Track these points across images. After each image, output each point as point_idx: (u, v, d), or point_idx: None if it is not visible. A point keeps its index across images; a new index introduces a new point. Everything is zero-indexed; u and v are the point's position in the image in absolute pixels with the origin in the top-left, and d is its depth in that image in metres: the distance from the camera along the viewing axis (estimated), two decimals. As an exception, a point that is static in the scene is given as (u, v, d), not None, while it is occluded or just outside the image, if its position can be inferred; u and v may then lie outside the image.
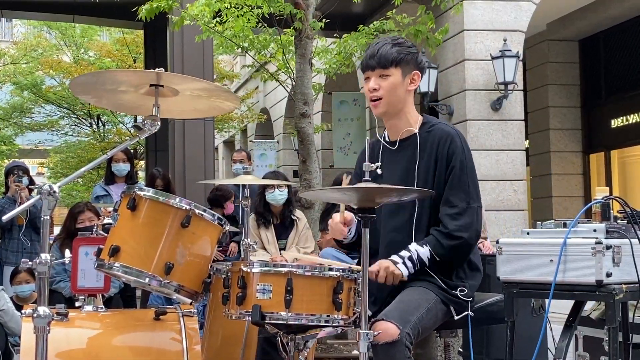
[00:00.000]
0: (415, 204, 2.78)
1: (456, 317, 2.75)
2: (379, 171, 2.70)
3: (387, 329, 2.47)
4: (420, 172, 2.79)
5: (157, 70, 2.54)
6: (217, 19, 7.15)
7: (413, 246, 2.72)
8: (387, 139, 2.96)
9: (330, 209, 5.80)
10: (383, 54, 2.79)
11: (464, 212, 2.72)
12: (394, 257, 2.70)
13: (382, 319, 2.51)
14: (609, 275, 2.62)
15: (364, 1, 10.38)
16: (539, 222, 2.94)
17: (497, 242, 2.93)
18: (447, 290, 2.73)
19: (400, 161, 2.86)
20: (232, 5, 6.83)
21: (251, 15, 6.90)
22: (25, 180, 6.05)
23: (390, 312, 2.57)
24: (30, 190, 6.02)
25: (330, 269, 2.48)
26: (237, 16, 6.86)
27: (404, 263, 2.68)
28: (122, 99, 2.82)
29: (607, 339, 3.34)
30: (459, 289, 2.74)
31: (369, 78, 2.84)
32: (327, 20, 7.18)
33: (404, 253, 2.70)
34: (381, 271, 2.65)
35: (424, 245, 2.71)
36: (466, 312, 2.75)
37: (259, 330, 3.04)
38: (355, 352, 5.81)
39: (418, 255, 2.70)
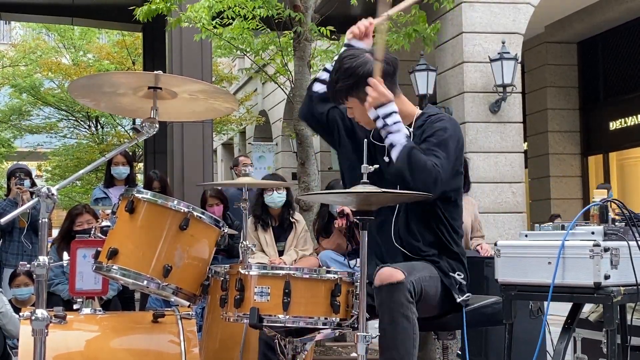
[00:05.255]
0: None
1: (458, 300, 2.75)
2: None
3: (393, 273, 2.49)
4: None
5: (155, 72, 2.54)
6: (217, 20, 7.15)
7: (404, 130, 2.68)
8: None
9: (324, 216, 5.80)
10: (332, 92, 2.79)
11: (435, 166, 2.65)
12: (385, 110, 2.67)
13: (388, 266, 2.53)
14: (607, 277, 2.62)
15: (363, 3, 10.40)
16: (538, 225, 2.94)
17: (496, 244, 2.93)
18: (446, 273, 2.76)
19: None
20: (235, 5, 6.84)
21: (252, 16, 6.91)
22: (27, 182, 6.05)
23: (396, 264, 2.60)
24: (32, 193, 6.02)
25: (328, 272, 2.48)
26: (241, 15, 6.87)
27: (377, 118, 2.67)
28: (121, 102, 2.82)
29: (605, 341, 3.34)
30: (456, 272, 2.78)
31: None
32: (326, 19, 7.18)
33: (393, 120, 2.66)
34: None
35: (406, 140, 2.65)
36: (467, 296, 2.78)
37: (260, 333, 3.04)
38: (353, 354, 5.80)
39: (393, 132, 2.66)
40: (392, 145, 2.66)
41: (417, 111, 2.88)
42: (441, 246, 2.80)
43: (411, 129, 2.80)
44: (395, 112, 2.68)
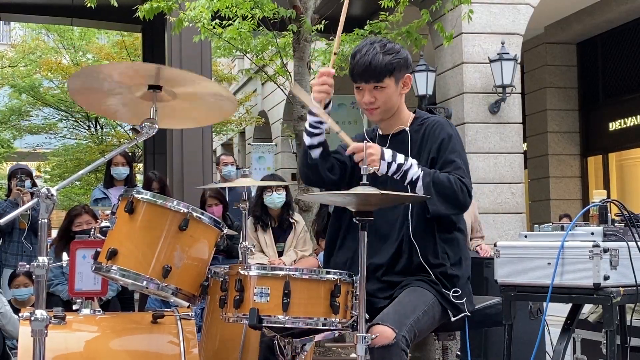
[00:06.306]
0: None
1: (453, 319, 2.74)
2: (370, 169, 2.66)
3: (383, 333, 2.45)
4: None
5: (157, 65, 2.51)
6: (217, 20, 7.15)
7: (411, 161, 2.68)
8: (379, 133, 2.95)
9: (324, 217, 5.80)
10: (377, 66, 2.73)
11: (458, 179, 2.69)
12: (388, 154, 2.65)
13: (378, 323, 2.50)
14: (606, 278, 2.62)
15: (362, 4, 10.39)
16: (537, 225, 2.94)
17: (495, 245, 2.93)
18: (442, 292, 2.73)
19: None
20: (233, 5, 6.85)
21: (250, 16, 6.92)
22: (27, 183, 6.04)
23: (386, 315, 2.55)
24: (32, 194, 6.02)
25: (328, 272, 2.48)
26: (239, 15, 6.87)
27: (390, 164, 2.64)
28: (119, 104, 2.80)
29: (604, 342, 3.35)
30: (452, 290, 2.74)
31: (362, 89, 2.80)
32: (327, 22, 7.18)
33: (400, 159, 2.65)
34: (364, 150, 2.56)
35: (419, 168, 2.66)
36: (463, 314, 2.75)
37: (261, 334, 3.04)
38: (353, 355, 5.80)
39: (409, 169, 2.65)
40: (413, 182, 2.66)
41: (410, 114, 2.91)
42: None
43: (407, 128, 2.85)
44: (395, 152, 2.67)
